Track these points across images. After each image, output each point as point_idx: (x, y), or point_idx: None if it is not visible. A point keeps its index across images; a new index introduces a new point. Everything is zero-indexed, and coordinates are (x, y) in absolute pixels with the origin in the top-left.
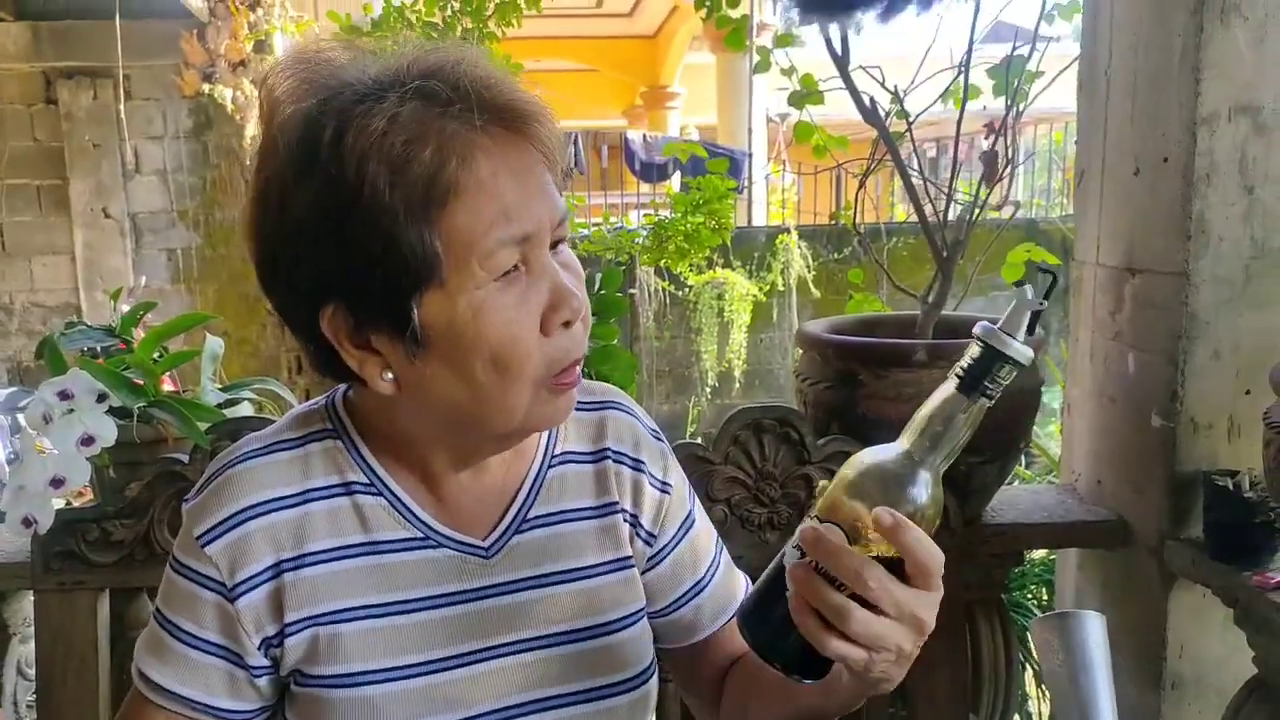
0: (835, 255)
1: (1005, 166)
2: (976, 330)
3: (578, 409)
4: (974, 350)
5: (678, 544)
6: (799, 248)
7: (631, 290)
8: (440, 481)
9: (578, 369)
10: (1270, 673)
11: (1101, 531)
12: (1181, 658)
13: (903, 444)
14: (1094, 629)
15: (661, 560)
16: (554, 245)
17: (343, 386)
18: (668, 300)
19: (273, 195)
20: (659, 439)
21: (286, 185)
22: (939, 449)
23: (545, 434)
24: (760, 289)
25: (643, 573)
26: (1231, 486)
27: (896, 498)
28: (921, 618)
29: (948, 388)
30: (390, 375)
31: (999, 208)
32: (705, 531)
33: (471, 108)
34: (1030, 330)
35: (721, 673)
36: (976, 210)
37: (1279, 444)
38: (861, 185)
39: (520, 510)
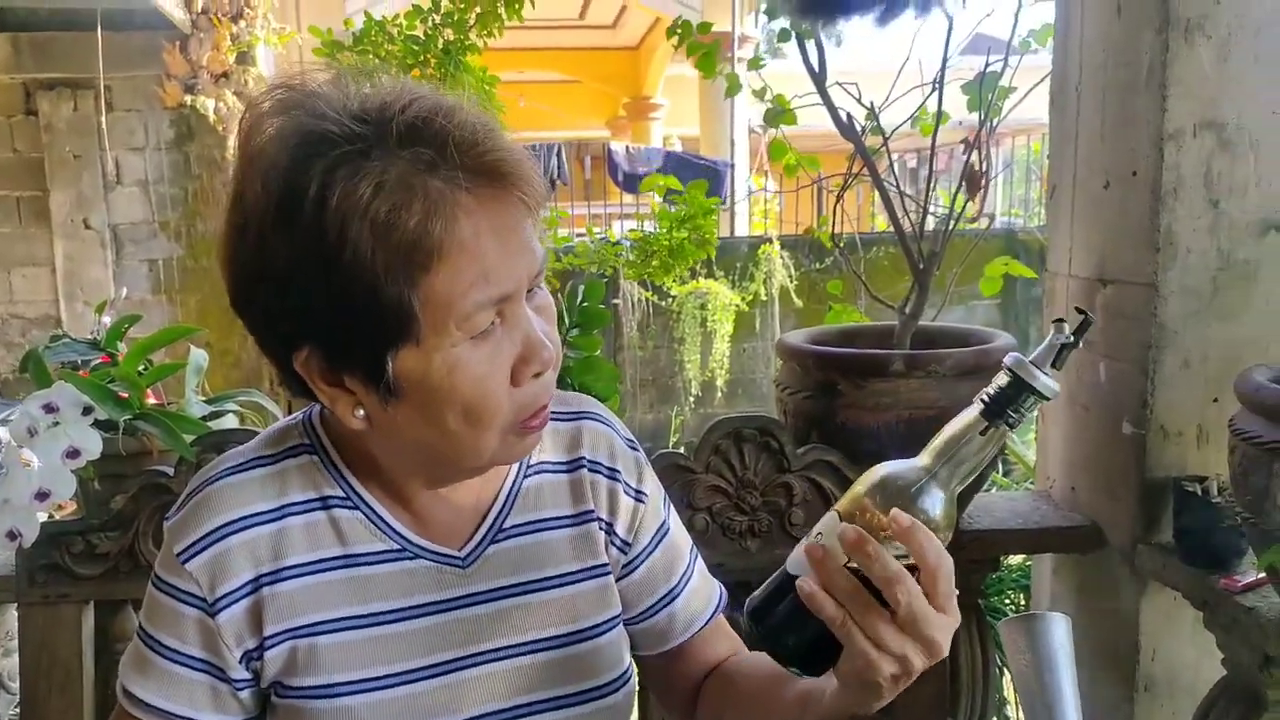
0: (817, 265)
1: (983, 180)
2: (1007, 360)
3: (554, 419)
4: (1001, 379)
5: (652, 552)
6: (781, 257)
7: (615, 301)
8: (415, 497)
9: (546, 411)
10: (1238, 673)
11: (1075, 537)
12: (1154, 660)
13: (923, 460)
14: (1059, 630)
15: (636, 568)
16: (531, 291)
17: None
18: (651, 310)
19: (250, 234)
20: (634, 448)
21: (265, 230)
22: (957, 470)
23: None
24: (743, 299)
25: (617, 579)
26: (1200, 492)
27: (911, 511)
28: (935, 638)
29: (971, 412)
30: (362, 413)
31: (975, 219)
32: (680, 540)
33: (456, 168)
34: (1058, 365)
35: (696, 682)
36: (952, 222)
37: (1243, 450)
38: (839, 200)
39: (496, 520)
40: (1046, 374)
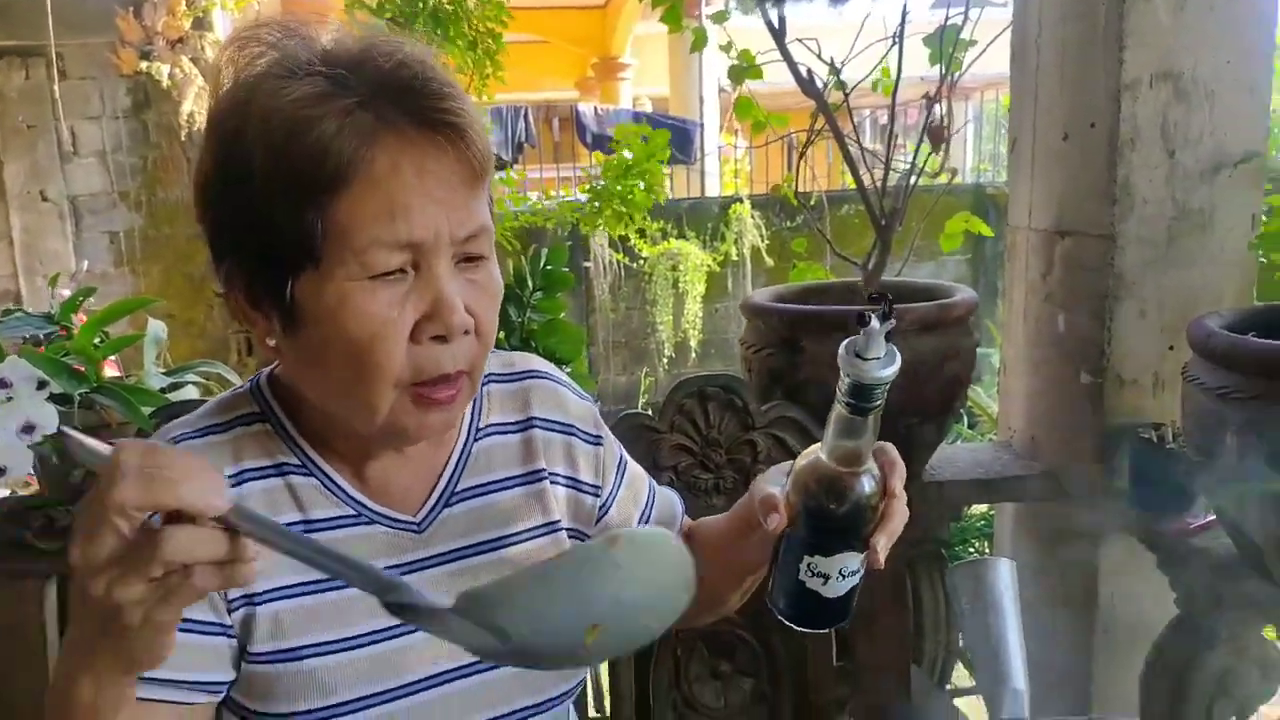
0: (788, 224)
1: (945, 133)
2: (839, 363)
3: (498, 381)
4: (843, 379)
5: (620, 485)
6: (752, 217)
7: (586, 264)
8: (368, 464)
9: (450, 390)
10: (1191, 612)
11: (1035, 486)
12: (1113, 603)
13: (827, 451)
14: (1003, 574)
15: (610, 505)
16: (470, 260)
17: (267, 369)
18: (623, 272)
19: (200, 143)
20: (583, 398)
21: (203, 139)
22: (858, 446)
23: (470, 409)
24: (714, 259)
25: (596, 520)
26: (1155, 439)
27: (840, 493)
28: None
29: (840, 411)
30: (273, 342)
31: (938, 174)
32: (636, 466)
33: (394, 107)
34: (890, 340)
35: None
36: (913, 178)
37: (1195, 397)
38: (801, 156)
39: (449, 484)
40: (878, 357)
